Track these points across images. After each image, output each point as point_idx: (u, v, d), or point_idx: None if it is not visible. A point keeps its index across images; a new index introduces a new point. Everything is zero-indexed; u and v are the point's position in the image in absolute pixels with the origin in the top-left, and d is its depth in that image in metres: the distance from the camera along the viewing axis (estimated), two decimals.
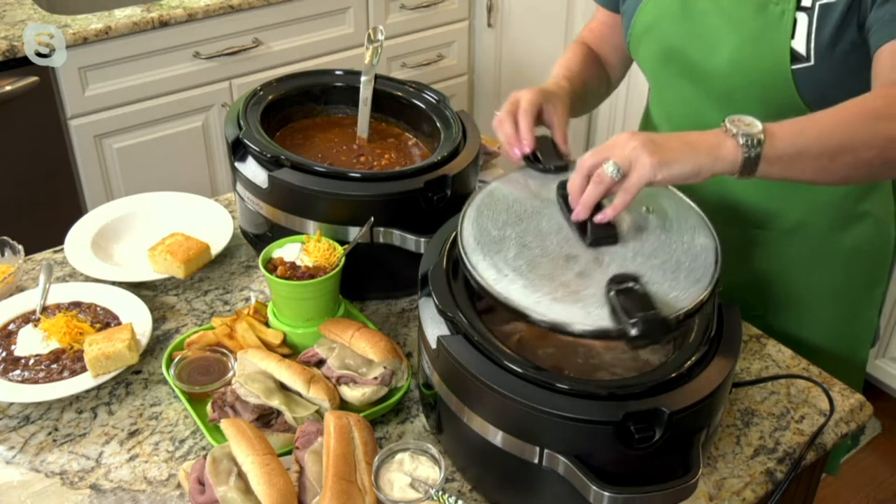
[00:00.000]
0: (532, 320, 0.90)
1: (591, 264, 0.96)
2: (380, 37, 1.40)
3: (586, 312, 0.90)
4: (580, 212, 0.98)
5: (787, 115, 1.13)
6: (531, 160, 1.14)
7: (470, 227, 1.03)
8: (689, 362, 0.92)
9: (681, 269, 0.96)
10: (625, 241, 0.99)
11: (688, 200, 1.08)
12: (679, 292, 0.93)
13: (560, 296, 0.92)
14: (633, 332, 0.86)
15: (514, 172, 1.14)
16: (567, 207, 1.02)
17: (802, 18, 1.12)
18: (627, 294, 0.89)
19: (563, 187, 1.05)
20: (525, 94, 1.18)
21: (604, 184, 0.95)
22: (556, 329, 0.89)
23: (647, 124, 1.43)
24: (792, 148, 0.96)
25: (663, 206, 1.06)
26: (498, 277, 0.95)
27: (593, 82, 1.38)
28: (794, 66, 1.13)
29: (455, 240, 1.04)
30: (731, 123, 0.96)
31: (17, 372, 1.16)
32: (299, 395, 1.08)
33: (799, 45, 1.12)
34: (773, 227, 1.29)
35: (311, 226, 1.25)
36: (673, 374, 0.90)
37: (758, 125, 0.95)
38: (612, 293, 0.90)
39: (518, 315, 0.91)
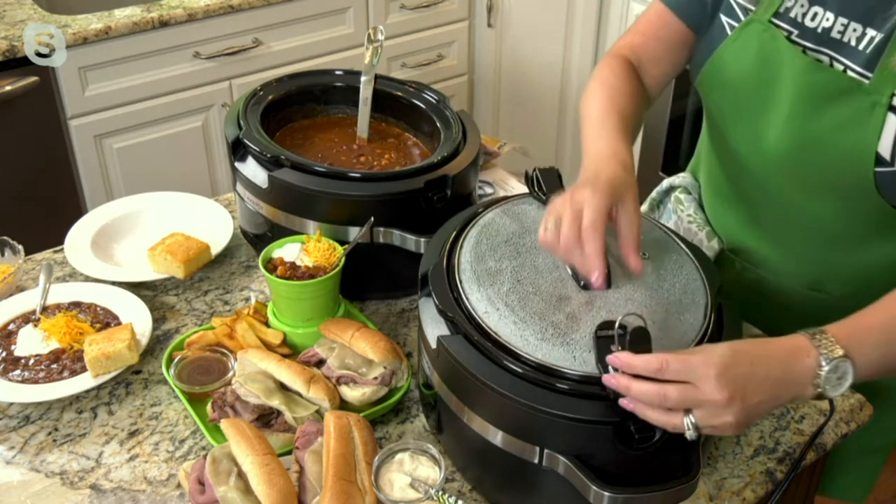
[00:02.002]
0: (518, 358, 0.91)
1: (582, 307, 0.96)
2: (380, 37, 1.40)
3: (573, 356, 0.90)
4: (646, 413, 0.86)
5: (859, 203, 1.08)
6: (534, 190, 1.12)
7: (468, 253, 1.03)
8: None
9: (668, 321, 0.95)
10: (618, 286, 0.99)
11: (686, 249, 1.08)
12: (663, 346, 0.91)
13: (549, 336, 0.92)
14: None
15: (518, 202, 1.13)
16: None
17: (891, 120, 1.00)
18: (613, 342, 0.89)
19: None
20: (589, 200, 0.94)
21: (675, 429, 0.85)
22: (541, 370, 0.90)
23: (704, 155, 1.35)
24: (877, 370, 0.91)
25: (661, 253, 1.05)
26: (490, 311, 0.95)
27: (639, 119, 1.20)
28: (876, 169, 1.02)
29: (452, 249, 1.05)
30: (827, 374, 0.87)
31: (17, 372, 1.16)
32: (299, 395, 1.08)
33: (884, 149, 1.01)
34: (830, 291, 1.22)
35: (311, 226, 1.25)
36: None
37: (848, 379, 0.87)
38: (599, 340, 0.90)
39: (505, 351, 0.92)
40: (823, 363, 0.87)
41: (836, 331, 0.90)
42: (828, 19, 1.05)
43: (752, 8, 1.11)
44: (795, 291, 1.25)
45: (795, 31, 1.08)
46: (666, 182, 1.44)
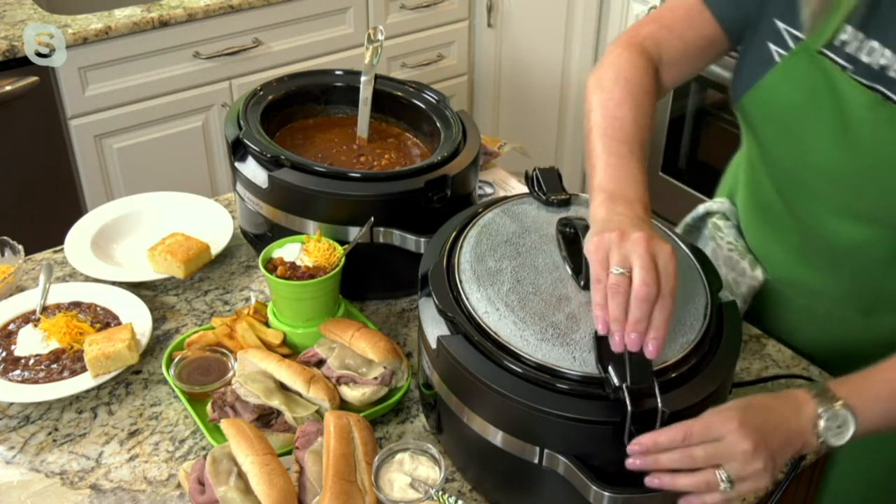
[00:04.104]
0: (518, 358, 0.91)
1: (582, 307, 0.95)
2: (380, 37, 1.40)
3: (573, 357, 0.90)
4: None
5: None
6: (534, 190, 1.13)
7: (468, 253, 1.03)
8: (689, 362, 0.92)
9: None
10: None
11: (686, 249, 1.07)
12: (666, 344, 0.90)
13: (549, 336, 0.92)
14: (616, 381, 0.86)
15: (518, 202, 1.13)
16: (566, 247, 1.02)
17: None
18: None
19: (563, 224, 1.04)
20: (668, 254, 0.89)
21: (710, 488, 0.86)
22: (541, 370, 0.89)
23: (744, 179, 1.28)
24: (883, 423, 0.92)
25: None
26: (489, 311, 0.95)
27: (650, 131, 1.08)
28: None
29: (452, 249, 1.04)
30: (826, 423, 0.89)
31: (17, 372, 1.16)
32: (299, 395, 1.08)
33: None
34: (888, 315, 1.16)
35: (311, 226, 1.25)
36: (673, 375, 0.90)
37: (849, 427, 0.89)
38: (599, 340, 0.89)
39: (505, 351, 0.91)
40: (822, 412, 0.89)
41: (837, 386, 0.92)
42: (885, 56, 0.99)
43: (802, 36, 1.04)
44: (849, 319, 1.19)
45: (850, 67, 1.01)
46: (702, 207, 1.37)
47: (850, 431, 0.89)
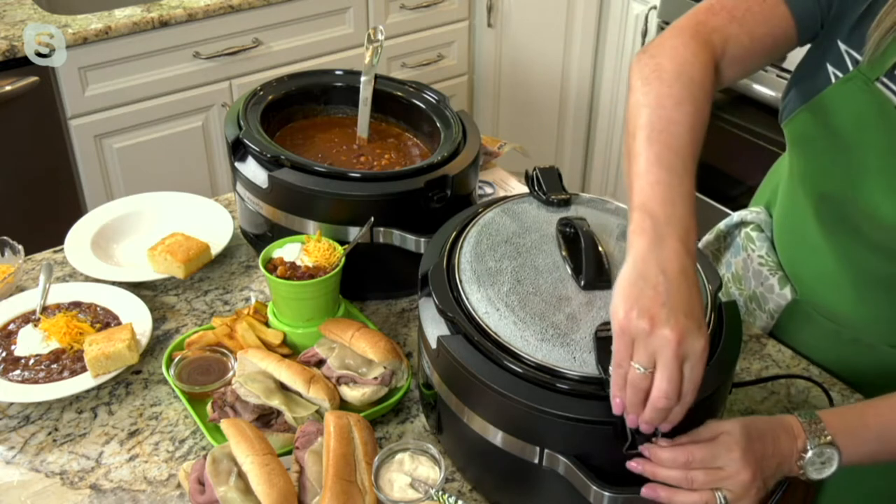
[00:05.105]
0: (518, 358, 0.91)
1: (582, 307, 0.95)
2: (380, 37, 1.40)
3: (573, 357, 0.90)
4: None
5: None
6: (534, 189, 1.13)
7: (468, 253, 1.03)
8: None
9: None
10: None
11: None
12: None
13: (549, 336, 0.92)
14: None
15: (518, 201, 1.13)
16: (566, 247, 1.02)
17: None
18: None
19: (563, 224, 1.05)
20: (698, 353, 0.81)
21: None
22: (541, 370, 0.89)
23: (784, 194, 1.23)
24: (867, 463, 0.92)
25: None
26: (490, 311, 0.95)
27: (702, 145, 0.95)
28: None
29: (452, 249, 1.04)
30: (811, 457, 0.89)
31: (17, 372, 1.16)
32: (299, 395, 1.08)
33: None
34: None
35: (311, 226, 1.25)
36: None
37: (833, 464, 0.89)
38: (599, 341, 0.90)
39: (505, 351, 0.91)
40: (809, 447, 0.90)
41: (831, 419, 0.92)
42: None
43: (859, 58, 0.98)
44: (877, 347, 1.17)
45: None
46: (736, 216, 1.33)
47: (833, 468, 0.90)
